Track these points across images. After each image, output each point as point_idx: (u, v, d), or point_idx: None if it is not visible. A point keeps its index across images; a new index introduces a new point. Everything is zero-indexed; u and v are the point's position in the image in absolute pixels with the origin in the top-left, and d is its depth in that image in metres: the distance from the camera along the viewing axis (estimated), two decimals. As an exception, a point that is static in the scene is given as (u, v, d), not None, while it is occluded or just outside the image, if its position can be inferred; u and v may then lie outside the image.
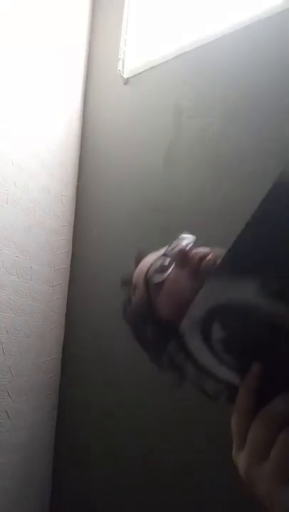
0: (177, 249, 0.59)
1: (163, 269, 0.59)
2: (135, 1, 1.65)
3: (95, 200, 1.59)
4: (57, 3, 1.63)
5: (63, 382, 1.51)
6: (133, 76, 1.56)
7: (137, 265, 0.65)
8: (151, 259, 0.61)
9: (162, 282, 0.57)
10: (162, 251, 0.61)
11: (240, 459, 0.33)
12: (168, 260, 0.60)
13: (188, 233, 0.62)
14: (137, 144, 1.47)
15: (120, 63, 1.60)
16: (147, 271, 0.59)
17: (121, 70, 1.59)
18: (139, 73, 1.54)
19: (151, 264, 0.60)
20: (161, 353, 0.51)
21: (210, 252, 0.56)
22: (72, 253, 1.61)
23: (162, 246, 0.62)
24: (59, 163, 1.58)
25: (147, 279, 0.58)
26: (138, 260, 0.66)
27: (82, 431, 1.41)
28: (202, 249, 0.58)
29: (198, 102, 1.31)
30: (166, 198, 1.30)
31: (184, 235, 0.61)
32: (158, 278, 0.58)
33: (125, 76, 1.58)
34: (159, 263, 0.60)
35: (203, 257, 0.56)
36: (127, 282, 0.67)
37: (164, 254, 0.60)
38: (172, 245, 0.61)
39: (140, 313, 0.60)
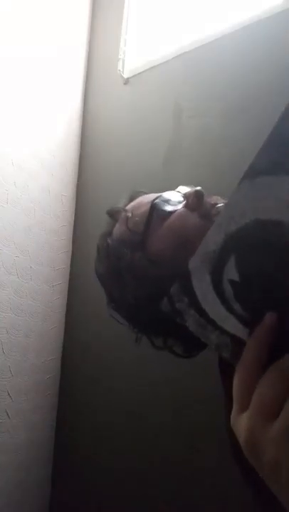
0: (193, 189, 0.56)
1: (173, 202, 0.55)
2: (135, 1, 1.65)
3: (95, 200, 1.59)
4: (57, 3, 1.63)
5: (63, 382, 1.51)
6: (133, 76, 1.56)
7: (130, 201, 0.61)
8: (156, 195, 0.57)
9: (168, 214, 0.54)
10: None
11: (243, 421, 0.29)
12: (180, 196, 0.57)
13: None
14: (137, 143, 1.47)
15: (120, 63, 1.60)
16: (155, 199, 0.55)
17: (121, 70, 1.59)
18: (139, 73, 1.54)
19: (160, 196, 0.56)
20: (147, 287, 0.44)
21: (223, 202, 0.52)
22: (72, 253, 1.61)
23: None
24: (59, 163, 1.58)
25: (154, 204, 0.54)
26: (133, 197, 0.62)
27: (82, 431, 1.41)
28: (216, 198, 0.55)
29: (198, 102, 1.31)
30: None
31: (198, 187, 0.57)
32: (167, 208, 0.54)
33: (125, 76, 1.58)
34: (169, 196, 0.56)
35: (216, 204, 0.53)
36: (113, 213, 0.61)
37: (177, 191, 0.57)
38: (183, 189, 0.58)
39: (130, 243, 0.54)
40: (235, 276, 0.31)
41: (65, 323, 1.56)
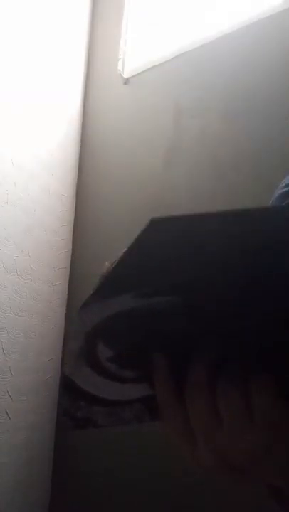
0: None
1: None
2: (135, 1, 1.65)
3: (95, 200, 1.59)
4: (57, 2, 1.63)
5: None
6: (133, 76, 1.56)
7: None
8: None
9: None
10: None
11: (222, 437, 0.29)
12: None
13: None
14: (137, 143, 1.48)
15: (120, 63, 1.60)
16: None
17: (121, 70, 1.59)
18: (139, 73, 1.54)
19: None
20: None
21: None
22: (72, 253, 1.61)
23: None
24: (59, 162, 1.58)
25: None
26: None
27: (82, 430, 1.41)
28: None
29: (198, 102, 1.31)
30: (166, 198, 1.30)
31: None
32: None
33: (125, 76, 1.58)
34: None
35: None
36: None
37: None
38: None
39: None
40: (110, 353, 0.33)
41: (65, 323, 1.56)
